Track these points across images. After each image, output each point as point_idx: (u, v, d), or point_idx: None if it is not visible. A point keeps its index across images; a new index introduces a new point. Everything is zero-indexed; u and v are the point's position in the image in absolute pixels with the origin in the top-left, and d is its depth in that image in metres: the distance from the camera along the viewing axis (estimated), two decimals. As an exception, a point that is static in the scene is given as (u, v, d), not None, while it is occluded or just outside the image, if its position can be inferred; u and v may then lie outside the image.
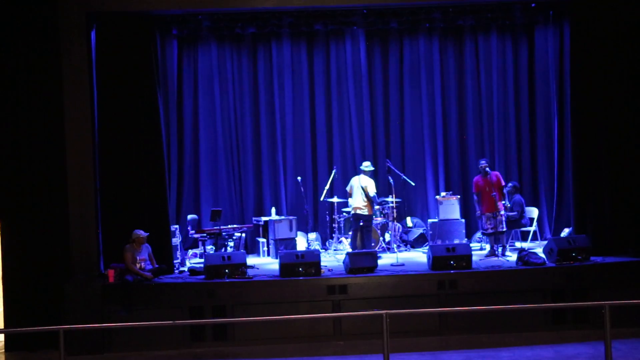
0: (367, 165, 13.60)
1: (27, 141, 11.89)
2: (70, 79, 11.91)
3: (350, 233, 13.82)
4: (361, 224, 13.34)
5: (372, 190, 13.33)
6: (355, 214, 13.42)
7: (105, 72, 12.39)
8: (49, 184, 11.88)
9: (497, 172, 13.38)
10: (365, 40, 15.08)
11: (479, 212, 13.30)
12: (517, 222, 13.73)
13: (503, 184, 13.17)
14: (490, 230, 12.96)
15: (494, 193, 12.84)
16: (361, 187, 13.33)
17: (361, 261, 11.72)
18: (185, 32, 14.40)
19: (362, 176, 13.48)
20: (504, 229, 12.99)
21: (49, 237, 11.80)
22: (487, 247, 13.37)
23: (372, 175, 13.71)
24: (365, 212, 13.34)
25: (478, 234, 14.41)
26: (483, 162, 13.24)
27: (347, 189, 13.77)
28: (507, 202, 13.50)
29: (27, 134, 11.89)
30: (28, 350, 11.31)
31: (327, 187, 14.32)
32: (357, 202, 13.40)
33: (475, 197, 13.34)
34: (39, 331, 9.41)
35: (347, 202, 14.18)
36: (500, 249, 12.96)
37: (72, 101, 11.92)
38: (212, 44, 14.90)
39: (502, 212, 12.90)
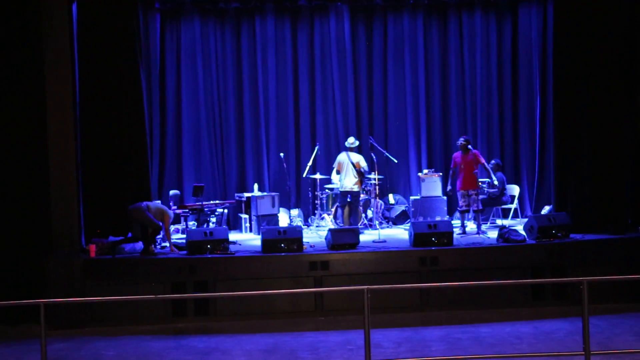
0: (352, 142, 13.67)
1: (8, 115, 11.78)
2: (51, 53, 11.76)
3: (332, 210, 13.84)
4: (349, 200, 13.40)
5: (364, 164, 13.46)
6: (344, 191, 13.46)
7: (87, 46, 12.28)
8: (30, 158, 11.78)
9: (476, 151, 13.27)
10: (350, 17, 15.02)
11: (450, 187, 13.37)
12: (498, 200, 13.81)
13: (483, 161, 13.12)
14: (464, 207, 13.03)
15: (476, 171, 12.89)
16: (351, 163, 13.37)
17: (343, 237, 11.75)
18: (168, 6, 14.29)
19: (350, 153, 13.53)
20: (479, 208, 13.03)
21: (29, 211, 11.71)
22: (468, 224, 13.45)
23: (357, 150, 13.76)
24: (356, 188, 13.42)
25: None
26: (462, 139, 13.16)
27: (335, 166, 13.77)
28: (494, 180, 13.54)
29: (7, 108, 11.78)
30: (9, 324, 11.26)
31: (310, 163, 14.30)
32: (349, 180, 13.43)
33: (450, 172, 13.38)
34: (19, 305, 9.36)
35: (329, 179, 14.19)
36: (474, 225, 13.06)
37: (54, 76, 11.77)
38: (195, 19, 14.79)
39: (479, 190, 12.97)
